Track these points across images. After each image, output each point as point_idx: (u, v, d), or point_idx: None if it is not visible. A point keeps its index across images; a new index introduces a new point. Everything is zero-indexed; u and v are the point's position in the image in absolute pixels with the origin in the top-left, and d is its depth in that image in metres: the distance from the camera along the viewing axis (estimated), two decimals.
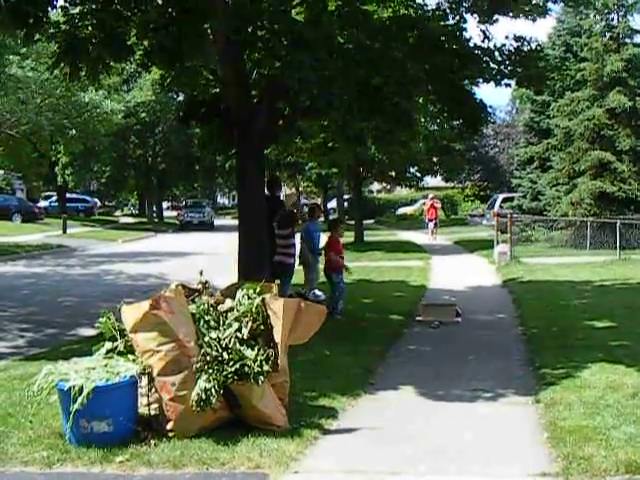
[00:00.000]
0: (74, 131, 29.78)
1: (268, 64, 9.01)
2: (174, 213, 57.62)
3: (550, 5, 9.74)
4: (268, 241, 9.68)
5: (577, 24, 27.64)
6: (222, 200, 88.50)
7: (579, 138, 22.61)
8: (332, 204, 44.68)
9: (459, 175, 40.59)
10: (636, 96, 22.40)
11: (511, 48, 9.97)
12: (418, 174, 30.30)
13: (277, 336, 5.15)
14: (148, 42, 9.15)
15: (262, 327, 5.18)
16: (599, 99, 22.63)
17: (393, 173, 28.30)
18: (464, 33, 10.07)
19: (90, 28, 8.89)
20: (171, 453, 4.59)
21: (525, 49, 10.00)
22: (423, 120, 21.12)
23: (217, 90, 10.49)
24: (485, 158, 42.15)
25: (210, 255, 20.32)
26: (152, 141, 44.07)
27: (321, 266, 10.80)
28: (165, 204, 61.73)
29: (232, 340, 5.04)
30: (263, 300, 5.22)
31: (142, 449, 4.66)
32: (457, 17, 9.98)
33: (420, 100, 11.66)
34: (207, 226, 40.96)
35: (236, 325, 5.12)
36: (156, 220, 46.49)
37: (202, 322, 5.17)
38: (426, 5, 10.43)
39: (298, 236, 10.55)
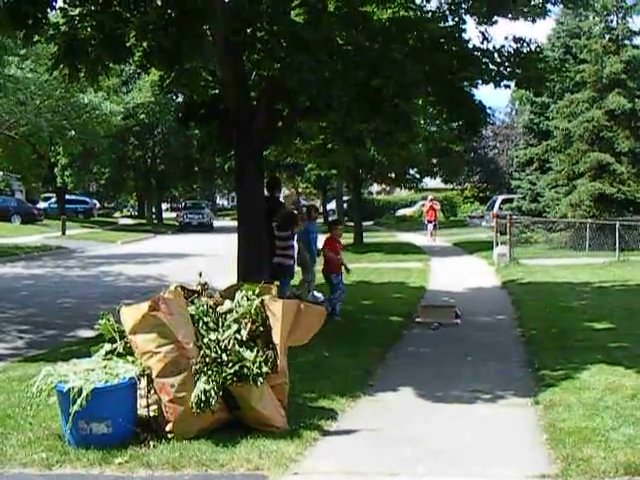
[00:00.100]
0: (73, 132, 29.72)
1: (267, 65, 9.00)
2: (173, 214, 57.67)
3: (549, 6, 9.73)
4: (268, 242, 9.68)
5: (576, 26, 27.70)
6: (221, 201, 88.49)
7: (578, 140, 22.63)
8: (331, 205, 44.67)
9: (458, 177, 40.54)
10: (635, 98, 22.43)
11: (510, 49, 9.97)
12: (417, 175, 30.30)
13: (276, 337, 5.14)
14: (147, 43, 9.16)
15: (261, 328, 5.18)
16: (598, 101, 22.65)
17: (392, 174, 28.27)
18: (463, 34, 10.11)
19: (89, 29, 8.90)
20: (170, 455, 4.58)
21: (524, 50, 10.00)
22: (422, 121, 21.14)
23: (216, 91, 10.50)
24: (484, 159, 42.09)
25: (209, 256, 20.30)
26: (151, 142, 43.99)
27: (318, 267, 10.79)
28: (164, 205, 61.62)
29: (231, 341, 5.03)
30: (262, 301, 5.22)
31: (141, 451, 4.66)
32: (456, 18, 9.98)
33: (419, 101, 11.65)
34: (206, 227, 41.01)
35: (235, 326, 5.12)
36: (155, 221, 46.43)
37: (201, 323, 5.16)
38: (425, 7, 10.43)
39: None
